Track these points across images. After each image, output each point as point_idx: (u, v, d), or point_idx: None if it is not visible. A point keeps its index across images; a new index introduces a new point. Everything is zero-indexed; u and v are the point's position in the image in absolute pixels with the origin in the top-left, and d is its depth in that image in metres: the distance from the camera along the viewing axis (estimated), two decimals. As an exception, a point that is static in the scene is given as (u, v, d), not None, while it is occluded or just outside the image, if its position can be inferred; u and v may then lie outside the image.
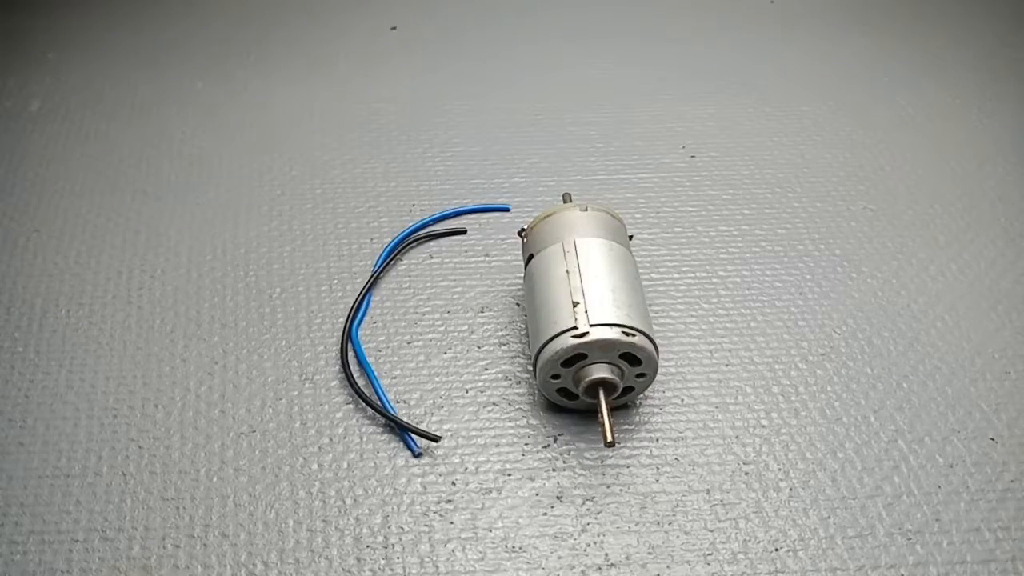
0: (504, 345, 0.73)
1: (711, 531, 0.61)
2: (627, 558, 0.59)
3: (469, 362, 0.72)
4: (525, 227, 0.72)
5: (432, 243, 0.83)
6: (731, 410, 0.68)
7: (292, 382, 0.70)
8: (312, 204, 0.87)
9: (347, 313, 0.75)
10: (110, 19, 1.15)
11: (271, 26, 1.14)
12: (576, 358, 0.62)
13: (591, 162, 0.92)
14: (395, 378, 0.71)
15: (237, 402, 0.69)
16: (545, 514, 0.62)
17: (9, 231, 0.84)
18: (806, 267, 0.80)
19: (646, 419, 0.67)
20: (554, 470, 0.64)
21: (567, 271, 0.65)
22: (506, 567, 0.59)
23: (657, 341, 0.64)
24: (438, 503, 0.62)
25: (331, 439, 0.66)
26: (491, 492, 0.63)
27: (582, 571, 0.59)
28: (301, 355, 0.72)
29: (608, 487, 0.63)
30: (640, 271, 0.71)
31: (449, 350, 0.73)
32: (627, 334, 0.61)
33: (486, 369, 0.71)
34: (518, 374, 0.71)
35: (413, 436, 0.66)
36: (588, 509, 0.62)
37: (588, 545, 0.60)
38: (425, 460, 0.65)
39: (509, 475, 0.64)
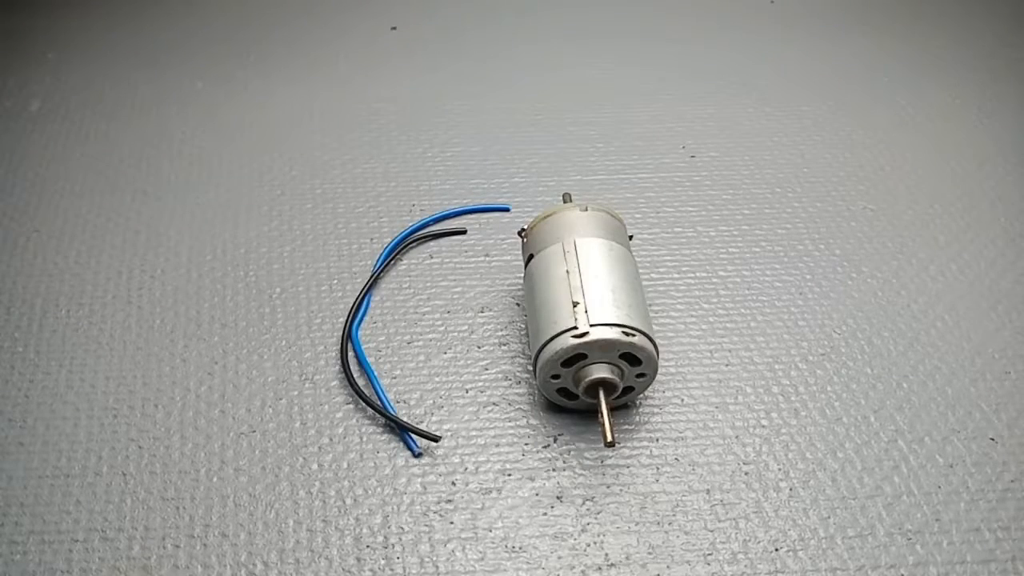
0: (504, 345, 0.73)
1: (711, 531, 0.61)
2: (627, 558, 0.59)
3: (469, 362, 0.72)
4: (525, 227, 0.72)
5: (432, 243, 0.83)
6: (731, 410, 0.68)
7: (292, 382, 0.70)
8: (312, 204, 0.87)
9: (347, 313, 0.75)
10: (110, 19, 1.15)
11: (271, 26, 1.14)
12: (576, 358, 0.62)
13: (591, 162, 0.92)
14: (395, 378, 0.71)
15: (237, 402, 0.69)
16: (545, 514, 0.62)
17: (9, 231, 0.84)
18: (806, 267, 0.80)
19: (646, 419, 0.67)
20: (554, 470, 0.64)
21: (567, 271, 0.65)
22: (506, 567, 0.59)
23: (657, 341, 0.64)
24: (438, 503, 0.62)
25: (331, 439, 0.66)
26: (491, 492, 0.63)
27: (582, 571, 0.59)
28: (301, 355, 0.72)
29: (608, 487, 0.63)
30: (640, 271, 0.71)
31: (449, 350, 0.73)
32: (627, 334, 0.61)
33: (486, 369, 0.71)
34: (518, 374, 0.71)
35: (413, 436, 0.66)
36: (588, 509, 0.62)
37: (588, 545, 0.60)
38: (425, 460, 0.65)
39: (509, 475, 0.64)
